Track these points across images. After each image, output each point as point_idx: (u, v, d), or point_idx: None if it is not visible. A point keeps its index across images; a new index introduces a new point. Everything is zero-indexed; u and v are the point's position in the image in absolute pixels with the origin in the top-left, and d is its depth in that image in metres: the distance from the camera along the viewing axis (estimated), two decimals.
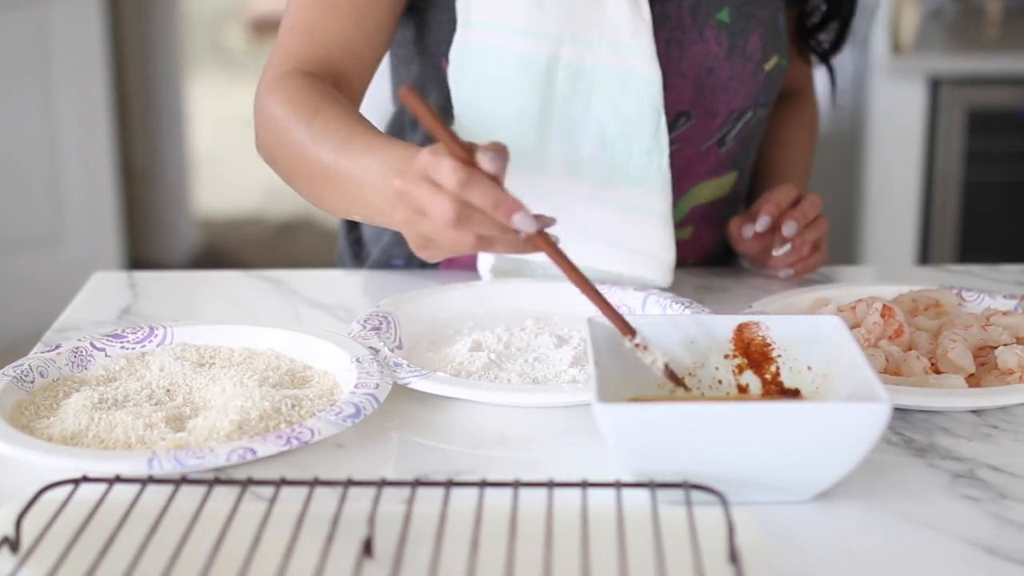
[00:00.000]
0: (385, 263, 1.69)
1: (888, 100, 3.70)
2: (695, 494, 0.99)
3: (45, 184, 4.07)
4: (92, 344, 1.31)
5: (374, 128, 1.33)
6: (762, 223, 1.54)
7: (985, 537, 1.01)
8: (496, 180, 1.11)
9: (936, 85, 3.59)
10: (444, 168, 1.10)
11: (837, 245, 4.08)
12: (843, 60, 3.86)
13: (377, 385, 1.20)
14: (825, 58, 1.75)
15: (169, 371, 1.27)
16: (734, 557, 0.92)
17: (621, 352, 1.15)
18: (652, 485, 1.00)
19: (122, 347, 1.32)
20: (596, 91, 1.46)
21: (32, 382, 1.24)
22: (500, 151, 1.10)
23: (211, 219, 5.42)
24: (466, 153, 1.10)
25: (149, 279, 1.66)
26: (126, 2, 4.67)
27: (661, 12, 1.49)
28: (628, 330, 1.15)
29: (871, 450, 1.02)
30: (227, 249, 5.13)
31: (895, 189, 3.73)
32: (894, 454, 1.15)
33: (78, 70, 4.10)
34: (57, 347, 1.30)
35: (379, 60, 1.50)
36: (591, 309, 1.43)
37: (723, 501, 0.97)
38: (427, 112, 1.09)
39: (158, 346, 1.33)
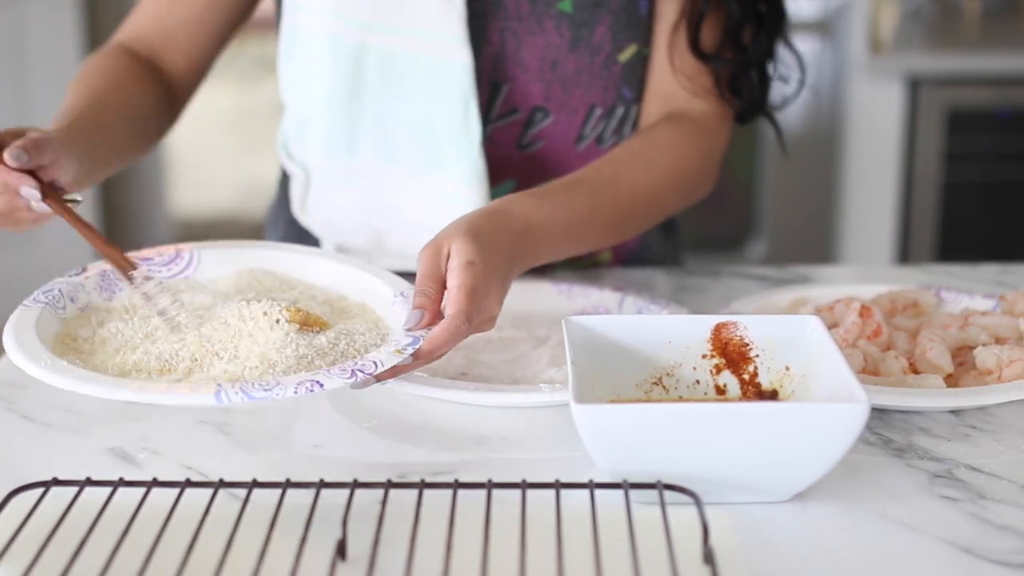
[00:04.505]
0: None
1: (867, 100, 3.71)
2: (673, 495, 0.99)
3: None
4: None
5: (68, 114, 1.38)
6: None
7: (963, 537, 1.00)
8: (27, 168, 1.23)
9: (915, 85, 3.60)
10: None
11: (816, 244, 4.09)
12: (822, 59, 3.89)
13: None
14: (741, 119, 1.55)
15: (200, 303, 1.24)
16: (708, 558, 0.92)
17: (598, 353, 1.14)
18: (625, 486, 0.99)
19: (148, 271, 1.27)
20: (407, 77, 1.47)
21: (64, 308, 1.21)
22: (29, 147, 1.22)
23: (188, 219, 5.40)
24: None
25: None
26: (102, 2, 4.65)
27: (496, 1, 1.47)
28: (129, 266, 1.25)
29: (849, 450, 1.02)
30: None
31: (874, 189, 3.74)
32: (872, 454, 1.14)
33: (54, 70, 4.07)
34: (84, 270, 1.27)
35: (204, 44, 1.58)
36: (570, 310, 1.42)
37: (697, 501, 0.97)
38: None
39: (181, 273, 1.30)
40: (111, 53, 1.55)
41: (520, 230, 1.25)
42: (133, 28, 1.58)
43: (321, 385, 1.06)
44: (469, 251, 1.16)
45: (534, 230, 1.26)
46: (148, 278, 1.25)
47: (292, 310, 1.17)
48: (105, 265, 1.27)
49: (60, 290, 1.22)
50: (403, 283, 1.26)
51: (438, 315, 1.15)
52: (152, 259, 1.29)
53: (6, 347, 1.12)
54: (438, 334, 1.13)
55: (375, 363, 1.10)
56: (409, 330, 1.14)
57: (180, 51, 1.57)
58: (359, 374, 1.08)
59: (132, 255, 1.28)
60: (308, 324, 1.17)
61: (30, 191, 1.23)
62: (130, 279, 1.25)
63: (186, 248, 1.31)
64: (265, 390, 1.05)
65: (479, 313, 1.15)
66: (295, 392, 1.05)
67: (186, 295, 1.25)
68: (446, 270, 1.17)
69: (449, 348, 1.13)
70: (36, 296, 1.21)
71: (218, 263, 1.31)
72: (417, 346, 1.12)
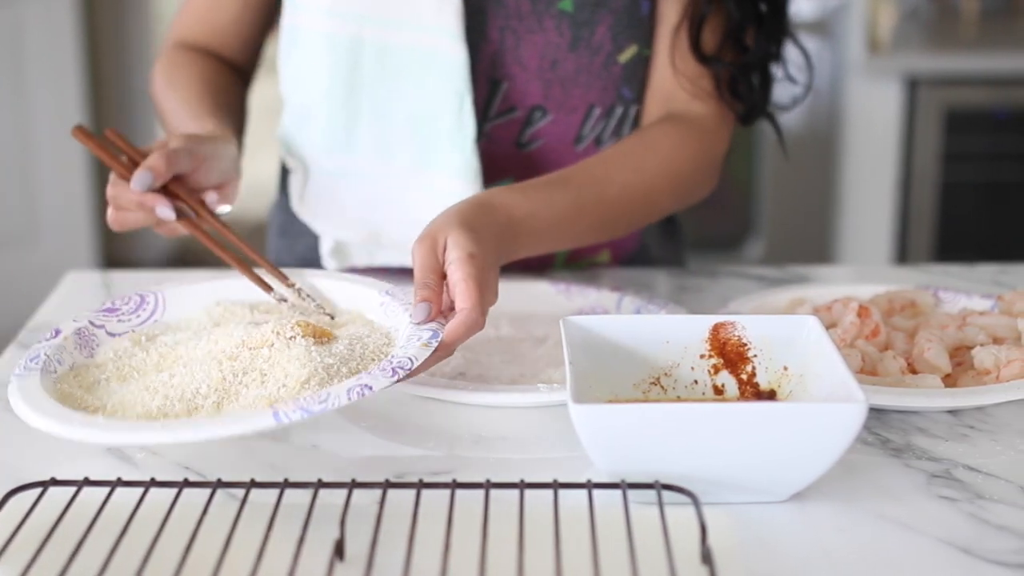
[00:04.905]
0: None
1: (865, 100, 3.71)
2: (671, 495, 0.99)
3: (19, 183, 4.04)
4: (91, 323, 1.25)
5: (198, 115, 1.47)
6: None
7: (961, 537, 1.00)
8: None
9: (913, 85, 3.60)
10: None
11: (814, 244, 4.09)
12: (820, 59, 3.89)
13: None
14: (743, 121, 1.54)
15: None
16: (706, 558, 0.92)
17: (596, 353, 1.14)
18: (623, 486, 0.99)
19: (119, 320, 1.27)
20: (403, 72, 1.47)
21: (55, 371, 1.18)
22: (158, 167, 1.27)
23: None
24: (127, 170, 1.30)
25: (123, 278, 1.65)
26: (101, 2, 4.65)
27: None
28: (268, 288, 1.30)
29: (847, 450, 1.02)
30: (202, 248, 5.09)
31: (872, 189, 3.74)
32: (870, 454, 1.14)
33: (52, 69, 4.08)
34: (58, 332, 1.23)
35: (249, 39, 1.63)
36: (568, 310, 1.42)
37: (695, 501, 0.97)
38: (93, 144, 1.34)
39: (151, 317, 1.29)
40: (180, 50, 1.60)
41: (503, 223, 1.25)
42: (184, 30, 1.62)
43: (371, 388, 1.06)
44: (467, 243, 1.16)
45: (516, 224, 1.27)
46: (283, 299, 1.29)
47: (302, 324, 1.17)
48: (79, 323, 1.24)
49: (46, 354, 1.18)
50: (382, 284, 1.26)
51: (442, 307, 1.15)
52: (118, 308, 1.28)
53: (26, 419, 1.09)
54: (457, 327, 1.13)
55: (410, 359, 1.10)
56: (419, 324, 1.14)
57: (230, 49, 1.62)
58: (400, 371, 1.08)
59: (92, 310, 1.27)
60: (317, 335, 1.17)
61: (165, 211, 1.29)
62: (273, 297, 1.30)
63: (149, 292, 1.30)
64: (320, 403, 1.04)
65: (486, 304, 1.15)
66: (348, 399, 1.05)
67: (166, 337, 1.25)
68: (443, 262, 1.17)
69: (465, 340, 1.14)
70: (26, 364, 1.17)
71: (183, 302, 1.31)
72: (439, 338, 1.12)
